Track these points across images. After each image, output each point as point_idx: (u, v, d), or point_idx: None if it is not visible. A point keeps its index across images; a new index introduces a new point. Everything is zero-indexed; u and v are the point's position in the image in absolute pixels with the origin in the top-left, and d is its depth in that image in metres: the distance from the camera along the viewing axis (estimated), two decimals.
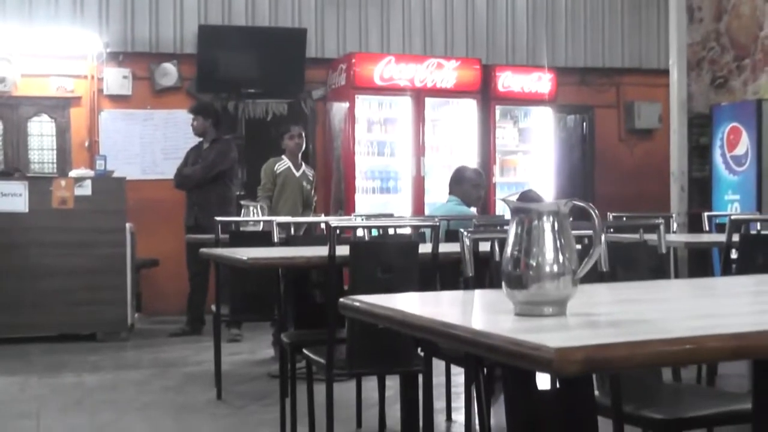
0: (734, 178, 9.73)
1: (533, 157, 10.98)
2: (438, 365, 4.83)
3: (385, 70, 10.03)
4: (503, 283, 1.93)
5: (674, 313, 2.17)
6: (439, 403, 5.49)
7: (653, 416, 3.03)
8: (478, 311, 2.18)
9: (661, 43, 11.01)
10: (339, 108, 10.27)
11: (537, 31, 11.54)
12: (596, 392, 3.25)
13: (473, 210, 6.50)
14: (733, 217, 4.82)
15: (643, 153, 11.82)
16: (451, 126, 10.58)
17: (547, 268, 1.89)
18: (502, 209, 10.16)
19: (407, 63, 10.22)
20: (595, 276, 2.92)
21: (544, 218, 1.91)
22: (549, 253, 1.90)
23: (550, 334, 1.67)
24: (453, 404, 5.50)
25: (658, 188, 10.31)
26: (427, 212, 9.30)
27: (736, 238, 4.89)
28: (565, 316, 1.89)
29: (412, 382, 4.42)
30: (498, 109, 10.74)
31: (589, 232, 2.69)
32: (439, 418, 5.36)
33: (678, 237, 6.00)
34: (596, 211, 1.94)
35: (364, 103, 10.14)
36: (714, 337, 1.64)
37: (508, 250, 1.92)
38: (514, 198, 1.95)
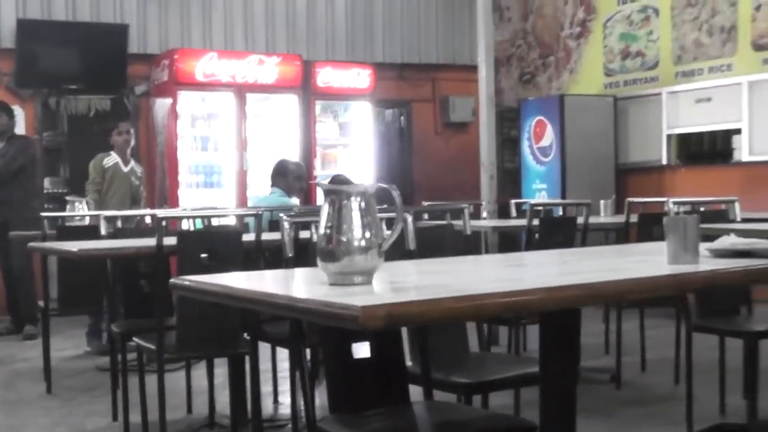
0: (541, 168, 10.35)
1: (353, 150, 11.32)
2: (264, 352, 5.08)
3: (208, 65, 10.17)
4: (318, 258, 2.19)
5: (469, 279, 2.49)
6: (266, 387, 5.70)
7: (459, 380, 3.36)
8: (296, 284, 2.44)
9: (473, 40, 11.52)
10: (162, 104, 10.33)
11: (356, 28, 11.90)
12: (409, 363, 3.58)
13: (295, 201, 6.77)
14: (532, 203, 5.28)
15: (458, 145, 12.35)
16: (273, 121, 10.81)
17: (356, 243, 2.15)
18: (322, 200, 10.44)
19: (229, 59, 10.38)
20: (404, 254, 3.24)
21: (353, 199, 2.18)
22: (357, 230, 2.16)
23: (358, 297, 1.93)
24: (280, 387, 5.72)
25: (472, 178, 10.80)
26: (250, 204, 9.50)
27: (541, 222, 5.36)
28: (372, 284, 2.16)
29: (239, 366, 4.64)
30: (318, 104, 11.04)
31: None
32: (267, 401, 5.57)
33: (486, 222, 6.44)
34: (398, 192, 2.23)
35: (187, 99, 10.24)
36: (495, 294, 1.95)
37: (321, 228, 2.18)
38: (327, 181, 2.22)
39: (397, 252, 3.15)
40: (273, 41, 11.37)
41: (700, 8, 9.72)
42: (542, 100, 10.77)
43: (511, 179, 11.30)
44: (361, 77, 11.08)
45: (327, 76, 10.93)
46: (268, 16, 11.38)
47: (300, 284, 2.41)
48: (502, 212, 8.98)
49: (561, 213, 7.16)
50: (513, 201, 7.23)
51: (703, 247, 2.53)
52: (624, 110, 10.41)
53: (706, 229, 3.16)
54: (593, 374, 6.27)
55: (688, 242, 2.45)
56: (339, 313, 1.79)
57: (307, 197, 9.76)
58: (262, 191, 8.58)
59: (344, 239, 2.15)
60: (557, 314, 2.54)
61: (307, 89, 10.82)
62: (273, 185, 6.78)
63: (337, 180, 2.21)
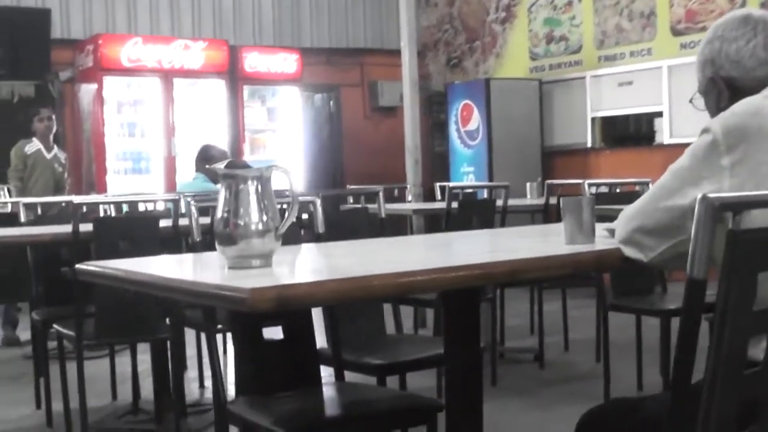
0: (468, 152, 10.44)
1: (282, 135, 11.30)
2: (190, 338, 5.09)
3: (133, 51, 10.08)
4: (216, 242, 2.21)
5: (367, 260, 2.51)
6: (192, 372, 5.74)
7: (371, 362, 3.41)
8: (196, 268, 2.46)
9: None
10: (87, 89, 10.23)
11: (283, 12, 11.87)
12: (325, 345, 3.62)
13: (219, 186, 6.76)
14: (450, 186, 5.35)
15: (387, 129, 12.38)
16: (200, 106, 10.75)
17: (253, 227, 2.17)
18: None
19: (155, 44, 10.31)
20: (312, 237, 3.27)
21: (249, 182, 2.20)
22: (254, 213, 2.18)
23: (251, 279, 1.95)
24: (206, 372, 5.73)
25: (401, 162, 10.83)
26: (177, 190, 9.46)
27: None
28: (271, 267, 2.19)
29: (162, 352, 4.64)
30: (246, 89, 11.01)
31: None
32: (193, 386, 5.60)
33: (408, 205, 6.50)
34: (291, 176, 2.25)
35: (112, 85, 10.15)
36: (381, 276, 1.97)
37: (219, 212, 2.20)
38: (223, 166, 2.24)
39: (306, 235, 3.19)
40: (199, 26, 11.31)
41: None
42: (468, 84, 10.84)
43: (440, 163, 11.38)
44: (288, 62, 11.07)
45: (254, 61, 10.91)
46: (194, 1, 11.30)
47: (200, 268, 2.44)
48: (430, 196, 9.06)
49: (486, 196, 7.25)
50: (438, 184, 7.30)
51: (603, 227, 2.59)
52: (549, 94, 10.54)
53: (605, 210, 3.24)
54: (517, 354, 6.38)
55: (584, 223, 2.52)
56: (228, 295, 1.82)
57: None
58: (190, 177, 8.55)
59: (241, 223, 2.17)
60: (456, 294, 2.60)
61: (234, 74, 10.79)
62: (197, 171, 6.78)
63: (234, 164, 2.23)
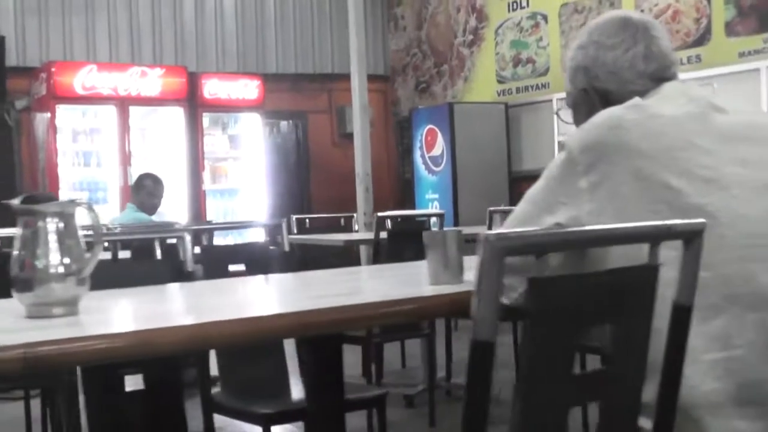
0: (433, 178, 10.18)
1: (244, 163, 10.96)
2: None
3: (87, 78, 9.79)
4: (12, 288, 1.94)
5: (190, 307, 2.23)
6: None
7: (256, 410, 3.14)
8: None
9: (369, 49, 11.35)
10: (42, 118, 9.97)
11: (247, 39, 11.65)
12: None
13: (154, 217, 6.48)
14: (379, 215, 5.06)
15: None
16: (159, 134, 10.46)
17: (52, 270, 1.91)
18: (214, 216, 10.20)
19: (110, 71, 10.01)
20: (183, 276, 2.99)
21: (49, 220, 1.94)
22: (54, 255, 1.92)
23: (17, 335, 1.68)
24: None
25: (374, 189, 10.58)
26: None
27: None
28: (77, 315, 1.92)
29: (59, 398, 4.35)
30: (206, 117, 10.65)
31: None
32: None
33: (338, 236, 6.19)
34: (95, 212, 1.98)
35: (66, 113, 9.86)
36: (163, 330, 1.69)
37: (15, 252, 1.94)
38: (19, 201, 1.96)
39: (167, 275, 2.89)
40: (160, 53, 11.07)
41: (586, 15, 9.61)
42: (432, 108, 10.60)
43: (409, 190, 11.12)
44: (249, 88, 10.76)
45: (214, 88, 10.59)
46: (154, 26, 11.07)
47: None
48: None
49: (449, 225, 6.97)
50: (379, 213, 7.03)
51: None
52: (516, 117, 10.27)
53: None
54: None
55: (449, 260, 2.26)
56: None
57: (198, 213, 9.55)
58: None
59: (39, 266, 1.91)
60: (314, 340, 2.32)
61: (193, 102, 10.49)
62: (130, 200, 6.54)
63: (33, 199, 1.96)
